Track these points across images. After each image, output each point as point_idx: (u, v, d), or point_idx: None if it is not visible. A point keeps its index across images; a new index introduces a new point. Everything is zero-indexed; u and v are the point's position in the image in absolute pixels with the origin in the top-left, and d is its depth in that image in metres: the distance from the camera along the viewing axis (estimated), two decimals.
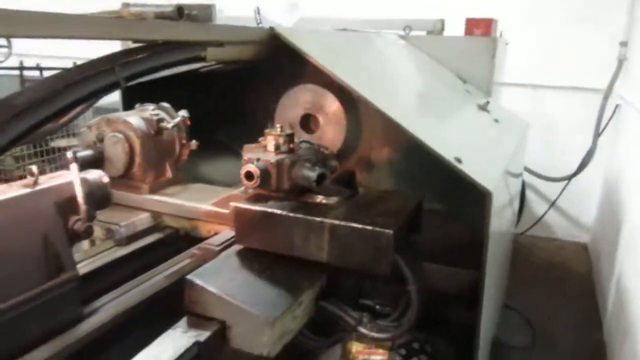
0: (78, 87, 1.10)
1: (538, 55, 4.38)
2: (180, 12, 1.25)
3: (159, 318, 1.26)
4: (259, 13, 2.51)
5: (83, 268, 1.39)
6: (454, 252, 2.09)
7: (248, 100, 2.60)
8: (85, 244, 1.68)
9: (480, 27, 2.81)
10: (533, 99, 4.45)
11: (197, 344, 1.16)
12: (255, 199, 1.53)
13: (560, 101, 4.47)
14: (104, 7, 1.21)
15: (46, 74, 4.34)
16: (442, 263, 2.12)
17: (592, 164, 4.37)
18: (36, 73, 4.37)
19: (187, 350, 1.14)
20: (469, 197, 1.60)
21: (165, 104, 1.93)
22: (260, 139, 1.63)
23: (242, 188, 1.71)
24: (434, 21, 3.11)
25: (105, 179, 1.30)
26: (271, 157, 1.53)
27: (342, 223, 1.36)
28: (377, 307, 1.55)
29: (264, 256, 1.45)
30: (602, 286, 3.57)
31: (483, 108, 2.39)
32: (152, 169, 1.83)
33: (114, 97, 2.22)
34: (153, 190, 1.83)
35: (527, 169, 4.18)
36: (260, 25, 2.51)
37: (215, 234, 1.66)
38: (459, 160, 1.49)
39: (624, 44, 4.16)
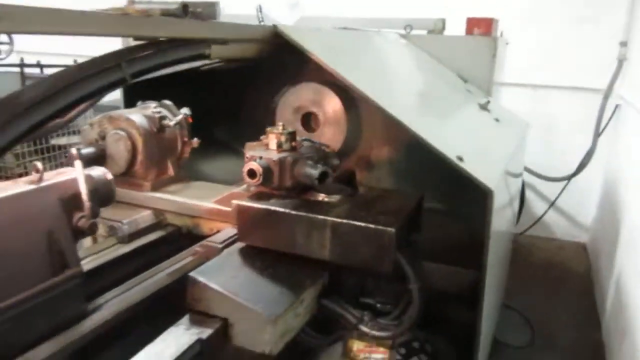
0: (85, 83, 1.10)
1: (538, 55, 4.38)
2: (185, 10, 1.25)
3: (162, 315, 1.27)
4: (260, 11, 2.51)
5: (86, 265, 1.39)
6: (453, 251, 2.10)
7: (248, 99, 2.61)
8: (87, 241, 1.69)
9: (481, 27, 2.82)
10: (533, 98, 4.46)
11: (199, 341, 1.17)
12: (258, 196, 1.53)
13: (560, 101, 4.48)
14: (110, 4, 1.22)
15: (47, 71, 4.34)
16: (442, 262, 2.13)
17: (591, 164, 4.37)
18: (37, 70, 4.38)
19: (190, 348, 1.14)
20: (469, 197, 1.61)
21: (168, 102, 1.94)
22: (262, 137, 1.63)
23: (244, 186, 1.72)
24: (435, 20, 3.12)
25: (109, 176, 1.30)
26: (273, 155, 1.54)
27: (345, 221, 1.37)
28: (378, 305, 1.56)
29: (266, 254, 1.45)
30: (601, 286, 3.58)
31: (484, 107, 2.40)
32: (154, 167, 1.84)
33: (115, 95, 2.23)
34: (155, 188, 1.84)
35: (526, 169, 4.19)
36: (262, 23, 2.51)
37: (218, 231, 1.67)
38: (460, 159, 1.49)
39: (623, 44, 4.17)
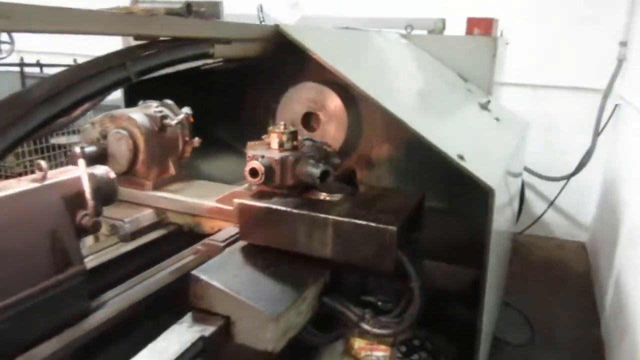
0: (90, 81, 1.11)
1: (538, 55, 4.39)
2: (189, 9, 1.26)
3: (164, 313, 1.27)
4: (261, 11, 2.51)
5: (88, 263, 1.39)
6: (454, 250, 2.11)
7: (249, 99, 2.61)
8: (89, 239, 1.69)
9: (481, 27, 2.83)
10: (533, 98, 4.47)
11: (202, 338, 1.17)
12: (259, 195, 1.54)
13: (559, 101, 4.49)
14: (114, 3, 1.22)
15: (46, 70, 4.35)
16: (442, 261, 2.13)
17: (591, 163, 4.39)
18: (36, 70, 4.38)
19: (193, 345, 1.15)
20: (469, 196, 1.61)
21: (169, 101, 1.94)
22: (263, 136, 1.64)
23: (246, 185, 1.72)
24: (435, 20, 3.12)
25: (112, 175, 1.31)
26: (275, 154, 1.54)
27: (346, 219, 1.38)
28: (379, 303, 1.56)
29: (268, 252, 1.46)
30: (601, 285, 3.59)
31: (484, 107, 2.41)
32: (155, 166, 1.84)
33: (116, 94, 2.23)
34: (156, 187, 1.84)
35: (526, 169, 4.20)
36: (262, 22, 2.51)
37: (219, 230, 1.67)
38: (461, 158, 1.50)
39: (623, 44, 4.18)
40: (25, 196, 1.08)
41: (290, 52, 1.67)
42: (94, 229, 1.19)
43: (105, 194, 1.27)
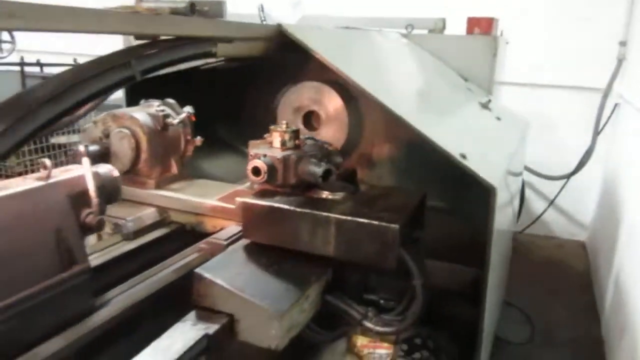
0: (96, 80, 1.11)
1: (538, 54, 4.40)
2: (192, 8, 1.26)
3: (168, 311, 1.28)
4: (262, 10, 2.52)
5: (92, 262, 1.39)
6: (455, 249, 2.11)
7: (249, 98, 2.61)
8: (92, 238, 1.69)
9: (481, 26, 2.83)
10: (533, 97, 4.47)
11: (206, 336, 1.17)
12: (262, 194, 1.54)
13: (559, 100, 4.50)
14: (119, 2, 1.23)
15: (46, 69, 4.35)
16: (443, 260, 2.14)
17: (591, 162, 4.40)
18: (36, 69, 4.39)
19: (197, 343, 1.15)
20: (470, 195, 1.62)
21: (171, 100, 1.94)
22: (265, 135, 1.64)
23: (248, 184, 1.73)
24: (436, 20, 3.13)
25: (116, 173, 1.31)
26: (277, 153, 1.55)
27: (349, 218, 1.38)
28: (381, 302, 1.57)
29: (271, 251, 1.46)
30: (600, 283, 3.60)
31: (485, 106, 2.41)
32: (158, 165, 1.85)
33: (117, 94, 2.23)
34: (159, 186, 1.85)
35: (526, 168, 4.20)
36: (264, 22, 2.52)
37: (221, 229, 1.67)
38: (463, 157, 1.50)
39: (623, 44, 4.19)
40: (30, 194, 1.08)
41: (291, 51, 1.67)
42: (98, 227, 1.20)
43: (109, 192, 1.28)
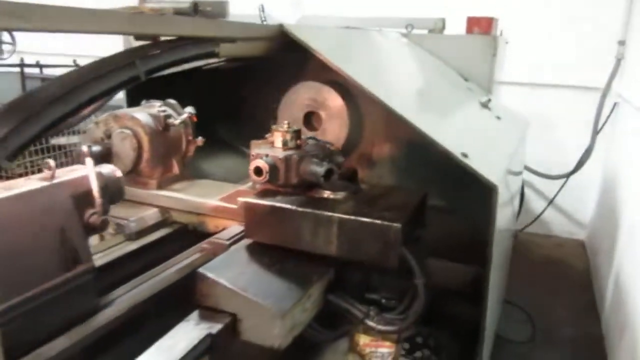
0: (101, 80, 1.12)
1: (537, 53, 4.41)
2: (195, 8, 1.27)
3: (171, 311, 1.28)
4: (263, 11, 2.52)
5: (95, 262, 1.40)
6: (456, 248, 2.12)
7: (249, 98, 2.62)
8: (94, 239, 1.70)
9: (481, 26, 2.84)
10: (532, 97, 4.48)
11: (209, 336, 1.18)
12: (264, 194, 1.55)
13: (558, 99, 4.51)
14: (122, 3, 1.23)
15: (46, 71, 4.36)
16: (444, 259, 2.14)
17: (590, 161, 4.41)
18: (36, 70, 4.39)
19: (201, 342, 1.15)
20: (471, 195, 1.62)
21: (172, 101, 1.95)
22: (267, 135, 1.65)
23: (249, 184, 1.73)
24: (435, 20, 3.13)
25: (119, 174, 1.32)
26: (279, 152, 1.55)
27: (351, 217, 1.39)
28: (383, 301, 1.57)
29: (273, 250, 1.47)
30: (600, 282, 3.61)
31: (485, 106, 2.42)
32: (159, 165, 1.85)
33: (118, 94, 2.23)
34: (160, 186, 1.85)
35: (526, 167, 4.21)
36: (264, 22, 2.52)
37: (223, 229, 1.68)
38: (465, 156, 1.51)
39: (622, 43, 4.20)
40: (34, 195, 1.09)
41: (291, 51, 1.68)
42: (102, 227, 1.20)
43: (112, 192, 1.28)
